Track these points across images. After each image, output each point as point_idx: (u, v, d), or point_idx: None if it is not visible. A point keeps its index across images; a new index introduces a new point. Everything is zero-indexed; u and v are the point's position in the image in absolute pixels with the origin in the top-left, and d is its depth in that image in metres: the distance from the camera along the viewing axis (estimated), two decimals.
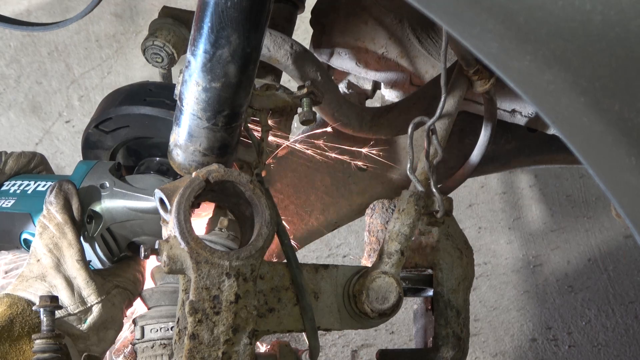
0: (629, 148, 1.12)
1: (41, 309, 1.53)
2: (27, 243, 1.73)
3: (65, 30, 3.83)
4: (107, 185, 1.71)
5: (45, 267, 1.63)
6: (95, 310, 1.64)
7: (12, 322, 1.56)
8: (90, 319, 1.64)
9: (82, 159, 1.87)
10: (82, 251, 1.64)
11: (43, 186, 1.77)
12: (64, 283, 1.62)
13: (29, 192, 1.77)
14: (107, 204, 1.69)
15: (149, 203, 1.66)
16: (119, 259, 1.74)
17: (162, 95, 1.73)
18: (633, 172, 1.13)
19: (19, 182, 1.81)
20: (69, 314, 1.62)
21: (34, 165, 1.86)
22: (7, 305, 1.58)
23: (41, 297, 1.53)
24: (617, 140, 1.11)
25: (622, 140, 1.11)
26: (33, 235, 1.70)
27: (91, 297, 1.63)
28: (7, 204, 1.77)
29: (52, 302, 1.53)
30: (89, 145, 1.83)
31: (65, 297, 1.62)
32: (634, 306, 3.26)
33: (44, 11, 3.93)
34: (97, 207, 1.69)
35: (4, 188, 1.81)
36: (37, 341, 1.52)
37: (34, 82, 3.76)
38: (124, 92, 1.80)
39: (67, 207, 1.65)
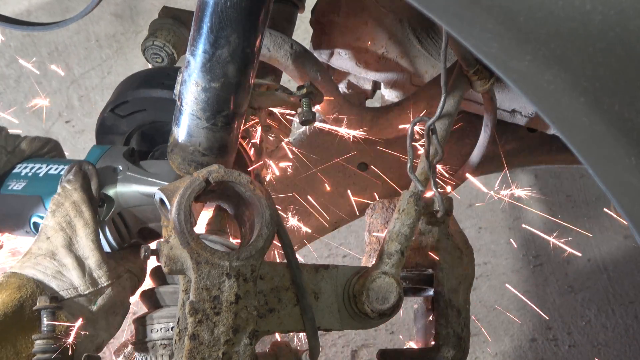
0: (629, 148, 1.12)
1: (42, 310, 1.52)
2: (37, 227, 1.71)
3: (65, 30, 3.83)
4: (121, 169, 1.70)
5: (55, 245, 1.60)
6: (106, 292, 1.61)
7: (22, 306, 1.53)
8: (100, 301, 1.61)
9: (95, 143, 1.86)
10: (97, 232, 1.62)
11: (55, 169, 1.76)
12: (74, 263, 1.59)
13: (41, 175, 1.76)
14: (120, 188, 1.68)
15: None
16: (129, 245, 1.73)
17: None
18: (633, 172, 1.13)
19: (30, 165, 1.80)
20: (79, 295, 1.59)
21: (47, 150, 1.85)
22: (15, 287, 1.55)
23: (40, 298, 1.52)
24: (617, 140, 1.12)
25: (622, 140, 1.11)
26: (41, 218, 1.69)
27: (102, 279, 1.61)
28: (18, 187, 1.76)
29: (52, 302, 1.53)
30: (104, 130, 1.82)
31: (75, 277, 1.59)
32: (634, 306, 3.26)
33: (44, 11, 3.93)
34: (110, 191, 1.68)
35: (15, 170, 1.80)
36: (38, 341, 1.52)
37: (34, 82, 3.76)
38: (141, 76, 1.79)
39: (85, 187, 1.63)
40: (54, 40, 3.86)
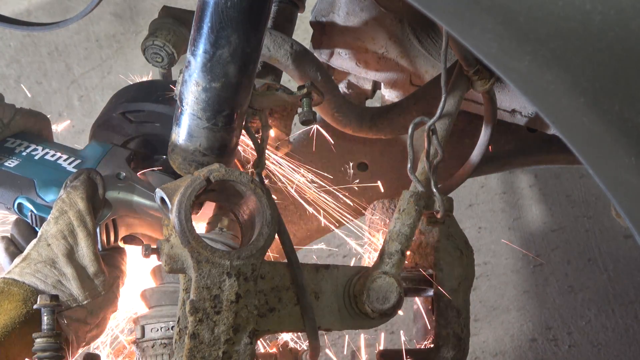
0: (629, 148, 1.12)
1: (42, 308, 1.52)
2: (21, 208, 1.70)
3: (65, 30, 3.83)
4: (124, 176, 1.69)
5: (56, 253, 1.59)
6: (103, 301, 1.63)
7: (27, 322, 1.53)
8: (96, 310, 1.62)
9: (91, 133, 1.84)
10: (96, 242, 1.63)
11: (52, 156, 1.74)
12: (74, 273, 1.59)
13: (36, 157, 1.75)
14: (121, 196, 1.68)
15: None
16: (109, 247, 1.74)
17: None
18: (633, 172, 1.13)
19: (25, 143, 1.78)
20: (79, 305, 1.60)
21: (38, 127, 1.83)
22: (21, 300, 1.55)
23: (41, 296, 1.52)
24: (617, 140, 1.12)
25: (622, 140, 1.12)
26: (29, 201, 1.68)
27: (99, 288, 1.62)
28: (10, 164, 1.74)
29: (52, 300, 1.52)
30: (106, 127, 1.81)
31: (75, 287, 1.59)
32: (634, 306, 3.26)
33: (44, 11, 3.93)
34: (111, 197, 1.68)
35: (8, 145, 1.78)
36: (38, 340, 1.52)
37: (34, 82, 3.76)
38: (161, 88, 1.78)
39: (90, 197, 1.63)
40: (54, 40, 3.86)
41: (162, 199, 1.51)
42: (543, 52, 1.08)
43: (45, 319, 1.52)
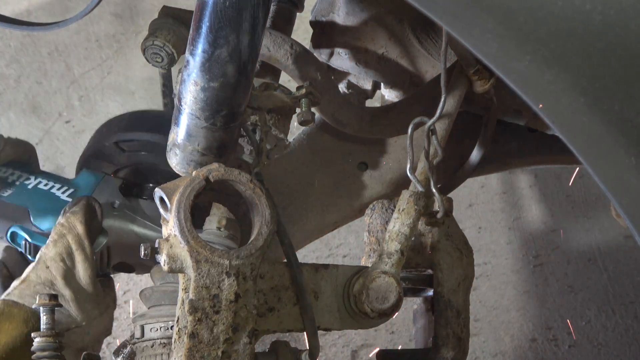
0: (629, 148, 1.12)
1: (41, 307, 1.53)
2: (14, 237, 1.72)
3: (65, 30, 3.83)
4: (118, 204, 1.72)
5: (54, 275, 1.63)
6: (99, 323, 1.67)
7: (28, 343, 1.55)
8: (92, 331, 1.66)
9: (81, 162, 1.86)
10: (94, 266, 1.66)
11: (45, 185, 1.76)
12: (72, 295, 1.63)
13: (30, 187, 1.77)
14: (116, 224, 1.71)
15: (157, 233, 1.68)
16: (102, 275, 1.76)
17: None
18: (633, 172, 1.13)
19: (17, 173, 1.79)
20: (77, 326, 1.64)
21: (27, 155, 1.85)
22: (21, 320, 1.58)
23: (40, 296, 1.53)
24: (617, 140, 1.12)
25: (622, 140, 1.12)
26: (24, 230, 1.70)
27: (96, 311, 1.66)
28: (3, 193, 1.76)
29: (51, 300, 1.53)
30: (96, 156, 1.82)
31: (73, 309, 1.63)
32: (634, 306, 3.26)
33: (44, 11, 3.93)
34: (106, 224, 1.70)
35: (0, 175, 1.79)
36: (37, 339, 1.52)
37: (34, 82, 3.76)
38: (154, 118, 1.81)
39: (89, 222, 1.67)
40: (54, 40, 3.86)
41: (161, 199, 1.51)
42: (543, 52, 1.08)
43: (44, 318, 1.53)
